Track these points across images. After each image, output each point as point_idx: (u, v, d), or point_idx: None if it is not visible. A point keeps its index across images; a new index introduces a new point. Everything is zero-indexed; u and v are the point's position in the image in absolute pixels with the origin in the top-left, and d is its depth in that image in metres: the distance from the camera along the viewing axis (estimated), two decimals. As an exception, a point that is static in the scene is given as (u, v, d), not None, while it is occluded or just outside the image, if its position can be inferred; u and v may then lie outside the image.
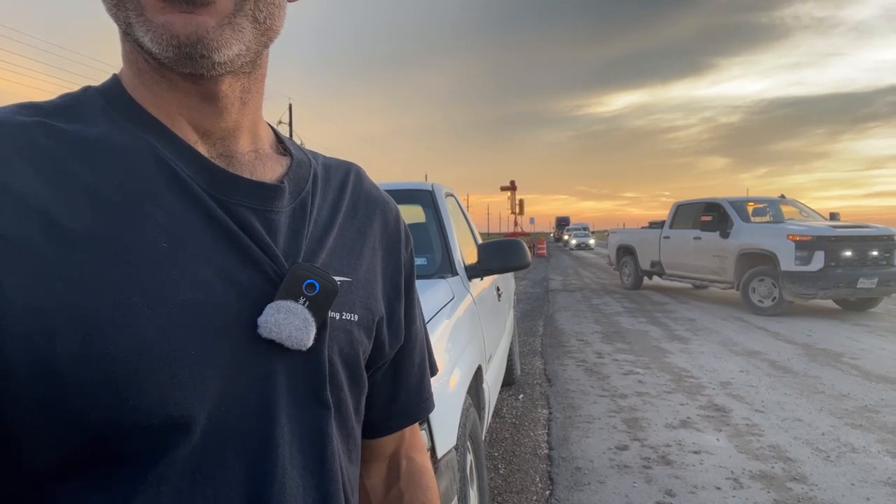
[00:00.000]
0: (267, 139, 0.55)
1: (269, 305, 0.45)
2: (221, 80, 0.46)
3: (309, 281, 0.47)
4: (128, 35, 0.43)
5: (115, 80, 0.48)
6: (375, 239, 0.60)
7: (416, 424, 0.69)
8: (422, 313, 0.69)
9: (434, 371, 0.70)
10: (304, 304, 0.46)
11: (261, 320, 0.44)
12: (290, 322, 0.45)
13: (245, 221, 0.46)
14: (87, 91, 0.48)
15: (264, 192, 0.49)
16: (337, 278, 0.50)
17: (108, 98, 0.47)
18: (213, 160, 0.47)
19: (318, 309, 0.47)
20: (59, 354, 0.37)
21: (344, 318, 0.52)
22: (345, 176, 0.60)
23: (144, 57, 0.44)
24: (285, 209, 0.50)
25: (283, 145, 0.57)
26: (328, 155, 0.64)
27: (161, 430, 0.40)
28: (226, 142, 0.49)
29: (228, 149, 0.49)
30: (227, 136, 0.49)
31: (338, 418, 0.51)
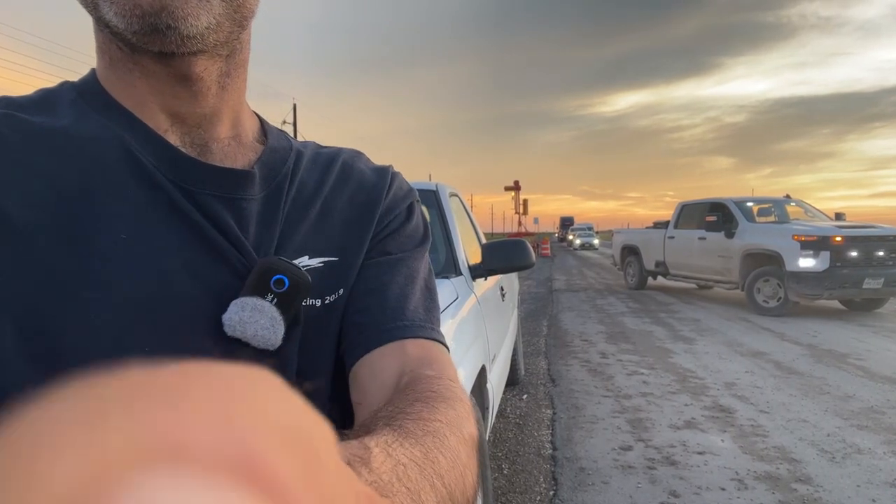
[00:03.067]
0: (251, 128, 0.52)
1: (233, 302, 0.42)
2: (195, 61, 0.43)
3: (277, 276, 0.43)
4: (98, 20, 0.41)
5: (92, 73, 0.47)
6: (367, 209, 0.55)
7: (437, 352, 0.51)
8: (430, 276, 0.59)
9: (440, 337, 0.54)
10: (271, 301, 0.43)
11: (225, 318, 0.42)
12: (255, 320, 0.42)
13: (212, 211, 0.44)
14: (62, 85, 0.47)
15: (233, 180, 0.46)
16: (319, 260, 0.48)
17: (81, 91, 0.46)
18: (182, 148, 0.45)
19: (288, 306, 0.44)
20: (11, 346, 0.35)
21: (327, 301, 0.48)
22: (336, 155, 0.57)
23: (117, 45, 0.43)
24: (257, 196, 0.47)
25: (265, 133, 0.54)
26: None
27: None
28: (201, 129, 0.47)
29: (203, 136, 0.47)
30: (204, 123, 0.47)
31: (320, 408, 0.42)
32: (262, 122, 0.55)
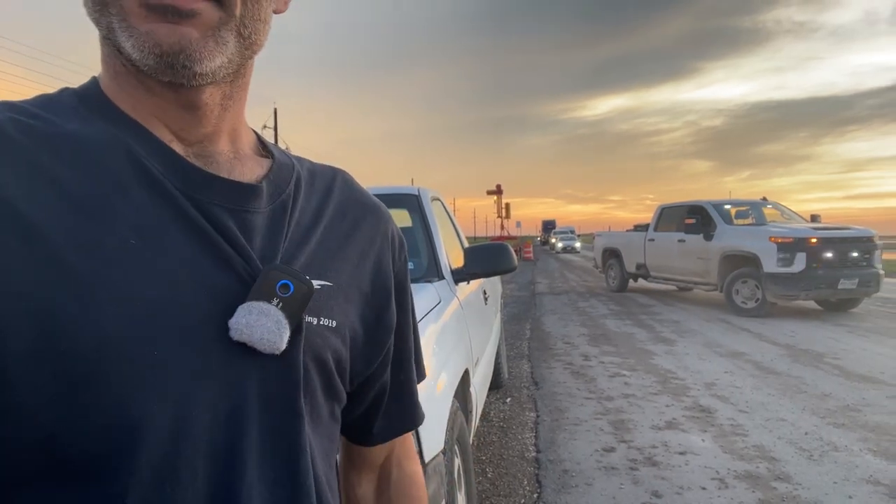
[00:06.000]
0: (248, 142, 0.53)
1: (240, 307, 0.43)
2: (202, 90, 0.45)
3: (283, 282, 0.45)
4: (108, 39, 0.43)
5: (94, 81, 0.48)
6: (364, 245, 0.57)
7: (409, 439, 0.69)
8: (415, 320, 0.67)
9: (422, 376, 0.68)
10: (277, 306, 0.44)
11: (231, 322, 0.42)
12: (262, 324, 0.43)
13: (219, 221, 0.45)
14: (63, 92, 0.47)
15: (241, 192, 0.47)
16: (316, 282, 0.48)
17: (83, 98, 0.46)
18: (188, 159, 0.46)
19: (293, 311, 0.45)
20: (11, 350, 0.36)
21: (322, 323, 0.50)
22: (331, 180, 0.59)
23: (122, 61, 0.44)
24: (263, 210, 0.49)
25: (265, 149, 0.55)
26: (315, 160, 0.62)
27: (119, 433, 0.38)
28: (203, 144, 0.48)
29: (205, 149, 0.48)
30: (205, 140, 0.48)
31: (313, 425, 0.49)
32: (257, 135, 0.56)
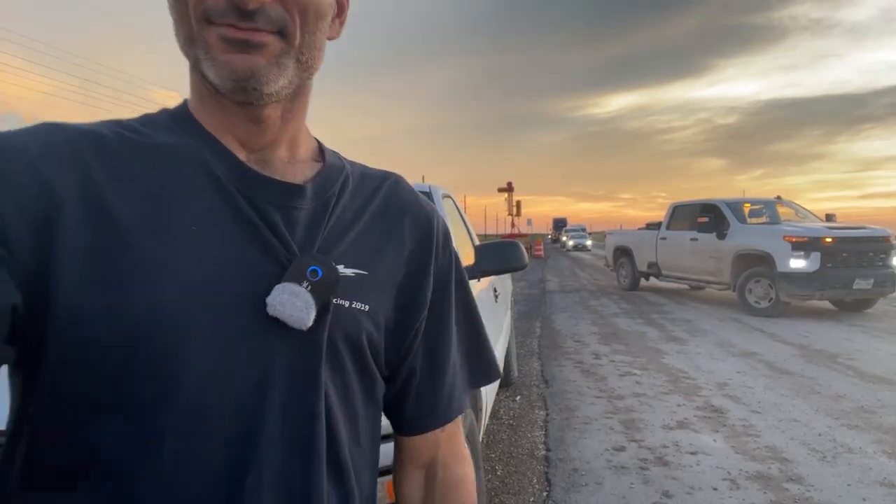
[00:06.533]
0: (307, 148, 0.63)
1: (276, 287, 0.51)
2: (266, 107, 0.54)
3: (312, 268, 0.52)
4: (195, 68, 0.53)
5: (184, 103, 0.59)
6: (403, 240, 0.64)
7: (458, 433, 0.71)
8: (469, 314, 0.71)
9: (493, 376, 0.73)
10: (306, 288, 0.51)
11: (268, 299, 0.50)
12: (292, 302, 0.50)
13: (267, 215, 0.54)
14: (161, 112, 0.58)
15: (288, 191, 0.56)
16: (350, 270, 0.57)
17: (174, 117, 0.57)
18: (249, 164, 0.56)
19: (320, 293, 0.52)
20: (93, 306, 0.46)
21: (354, 306, 0.57)
22: (380, 182, 0.66)
23: (206, 86, 0.53)
24: (307, 207, 0.57)
25: (322, 154, 0.64)
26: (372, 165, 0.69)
27: (163, 381, 0.47)
28: (265, 150, 0.57)
29: (266, 155, 0.57)
30: (267, 147, 0.58)
31: (343, 401, 0.56)
32: (319, 143, 0.66)
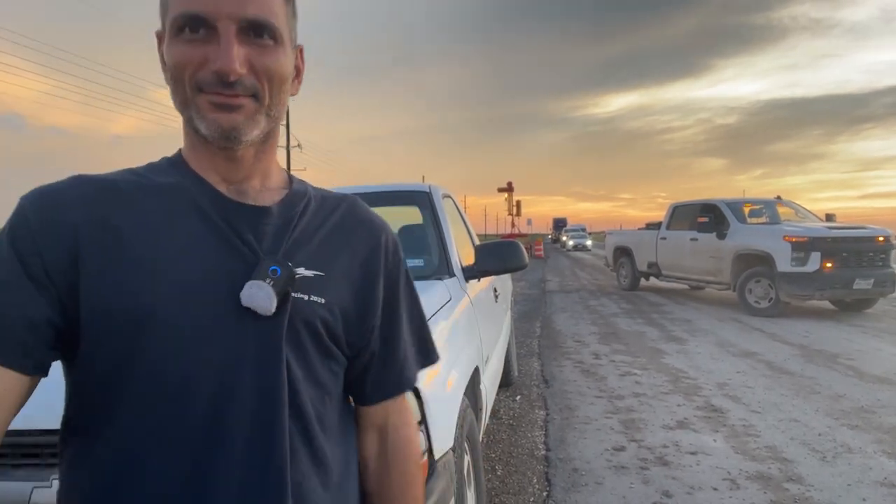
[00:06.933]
0: (278, 179, 0.79)
1: (247, 283, 0.67)
2: (240, 150, 0.71)
3: (273, 267, 0.68)
4: (189, 124, 0.70)
5: (179, 152, 0.76)
6: (355, 249, 0.80)
7: (405, 400, 0.87)
8: (415, 307, 0.88)
9: (432, 360, 0.89)
10: (269, 283, 0.67)
11: (242, 293, 0.66)
12: (258, 294, 0.66)
13: (239, 231, 0.70)
14: (162, 159, 0.76)
15: (257, 213, 0.73)
16: (311, 272, 0.73)
17: (171, 162, 0.75)
18: (227, 194, 0.72)
19: (280, 287, 0.68)
20: (115, 305, 0.64)
21: (312, 299, 0.72)
22: (338, 203, 0.83)
23: (197, 137, 0.70)
24: (273, 223, 0.73)
25: (290, 182, 0.81)
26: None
27: (164, 356, 0.64)
28: (241, 182, 0.74)
29: (242, 186, 0.74)
30: (243, 179, 0.74)
31: (304, 371, 0.71)
32: (289, 175, 0.83)
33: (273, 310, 0.66)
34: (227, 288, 0.66)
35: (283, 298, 0.68)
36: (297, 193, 0.78)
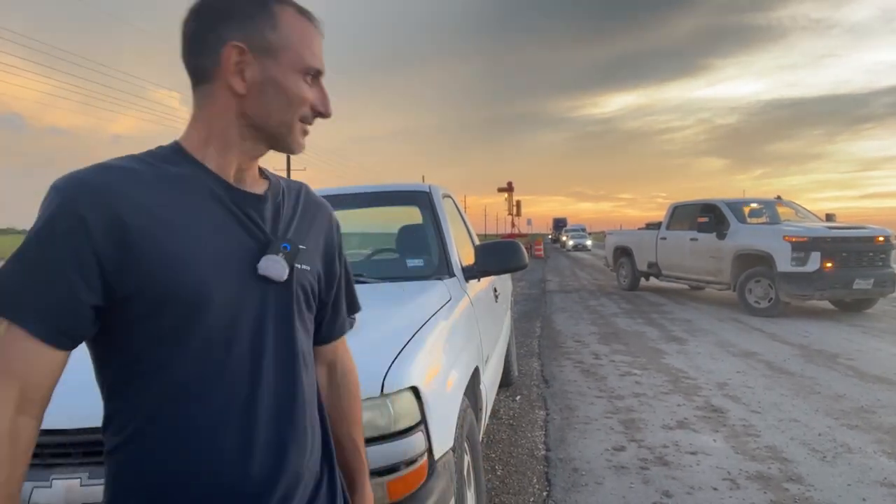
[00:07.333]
0: (257, 171, 0.93)
1: (264, 257, 0.83)
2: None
3: (284, 244, 0.86)
4: (273, 137, 0.88)
5: (176, 143, 0.86)
6: (319, 226, 0.99)
7: (345, 343, 1.12)
8: (349, 270, 1.10)
9: (355, 309, 1.12)
10: (281, 257, 0.85)
11: (259, 265, 0.83)
12: (274, 266, 0.83)
13: (249, 215, 0.86)
14: (159, 148, 0.86)
15: (258, 199, 0.88)
16: (302, 245, 0.90)
17: (174, 152, 0.85)
18: (234, 184, 0.86)
19: (290, 259, 0.86)
20: (170, 280, 0.76)
21: (303, 267, 0.90)
22: (299, 189, 1.00)
23: (258, 140, 0.87)
24: (269, 207, 0.89)
25: (263, 173, 0.95)
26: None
27: (204, 319, 0.78)
28: (240, 174, 0.88)
29: (241, 176, 0.88)
30: (241, 172, 0.88)
31: (301, 326, 0.90)
32: (259, 167, 0.97)
33: (285, 277, 0.85)
34: (249, 261, 0.82)
35: (291, 269, 0.86)
36: (274, 183, 0.95)
